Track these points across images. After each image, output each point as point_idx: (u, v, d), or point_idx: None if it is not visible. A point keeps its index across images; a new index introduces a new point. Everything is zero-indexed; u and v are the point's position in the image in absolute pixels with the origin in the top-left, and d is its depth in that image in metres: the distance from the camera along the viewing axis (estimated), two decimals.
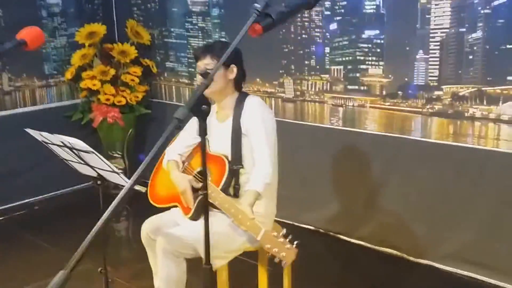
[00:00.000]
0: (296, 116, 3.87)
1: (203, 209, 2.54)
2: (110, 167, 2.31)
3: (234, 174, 2.51)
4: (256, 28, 1.56)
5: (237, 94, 2.59)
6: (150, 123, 4.74)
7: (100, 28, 4.46)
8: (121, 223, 4.46)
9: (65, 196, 4.71)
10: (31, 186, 4.52)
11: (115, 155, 4.68)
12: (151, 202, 2.75)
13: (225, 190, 2.47)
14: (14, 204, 4.43)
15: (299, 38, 3.73)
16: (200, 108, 1.50)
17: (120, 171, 4.69)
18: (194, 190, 2.55)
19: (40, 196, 4.59)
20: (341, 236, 3.78)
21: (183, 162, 2.73)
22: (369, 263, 3.56)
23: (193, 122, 2.68)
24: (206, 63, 2.52)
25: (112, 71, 4.46)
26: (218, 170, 2.52)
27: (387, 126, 3.46)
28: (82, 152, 2.37)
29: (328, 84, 3.67)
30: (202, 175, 2.58)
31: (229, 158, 2.52)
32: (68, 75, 4.50)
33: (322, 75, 3.68)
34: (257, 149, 2.46)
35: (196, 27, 4.28)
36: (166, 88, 4.66)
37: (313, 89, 3.75)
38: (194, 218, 2.53)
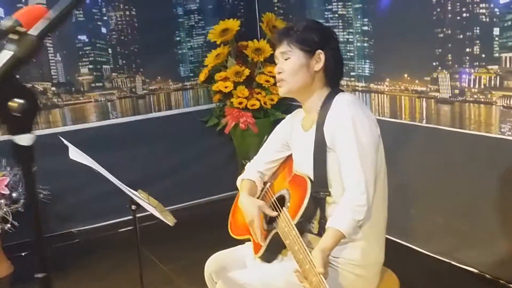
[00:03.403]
0: (453, 122, 2.93)
1: (278, 248, 1.92)
2: (128, 189, 1.81)
3: (319, 203, 1.79)
4: None
5: (327, 91, 1.86)
6: None
7: (233, 24, 4.02)
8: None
9: (199, 206, 4.38)
10: (166, 193, 4.27)
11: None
12: (229, 231, 2.17)
13: (303, 224, 1.77)
14: (145, 213, 4.20)
15: (458, 18, 2.80)
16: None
17: None
18: (270, 221, 1.90)
19: (172, 206, 4.31)
20: None
21: (265, 183, 2.09)
22: None
23: (280, 128, 2.04)
24: (282, 51, 1.86)
25: (247, 72, 3.99)
26: (299, 197, 1.83)
27: None
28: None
29: (498, 78, 2.68)
30: (280, 202, 1.94)
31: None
32: (202, 77, 4.15)
33: (489, 67, 2.70)
34: (346, 170, 1.71)
35: (336, 15, 3.58)
36: None
37: (476, 86, 2.78)
38: (265, 259, 1.88)
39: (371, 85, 3.41)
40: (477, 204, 2.90)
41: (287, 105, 4.14)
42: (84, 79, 3.95)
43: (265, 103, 3.98)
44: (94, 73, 3.97)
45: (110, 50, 3.99)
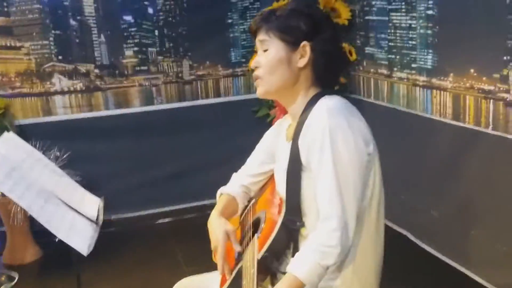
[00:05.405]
0: None
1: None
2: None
3: (292, 235, 1.41)
4: None
5: (312, 93, 1.46)
6: None
7: None
8: None
9: None
10: (208, 186, 4.00)
11: None
12: None
13: (269, 261, 1.41)
14: (186, 205, 3.98)
15: None
16: None
17: None
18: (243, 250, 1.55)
19: (214, 200, 4.03)
20: None
21: (250, 200, 1.73)
22: None
23: (266, 136, 1.68)
24: (261, 39, 1.48)
25: None
26: (271, 224, 1.46)
27: None
28: None
29: None
30: (256, 227, 1.58)
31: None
32: (251, 63, 3.81)
33: None
34: (319, 197, 1.31)
35: None
36: (364, 80, 3.56)
37: None
38: None
39: (433, 80, 2.89)
40: None
41: (345, 97, 3.71)
42: (128, 62, 3.76)
43: None
44: (139, 56, 3.77)
45: (156, 32, 3.77)
